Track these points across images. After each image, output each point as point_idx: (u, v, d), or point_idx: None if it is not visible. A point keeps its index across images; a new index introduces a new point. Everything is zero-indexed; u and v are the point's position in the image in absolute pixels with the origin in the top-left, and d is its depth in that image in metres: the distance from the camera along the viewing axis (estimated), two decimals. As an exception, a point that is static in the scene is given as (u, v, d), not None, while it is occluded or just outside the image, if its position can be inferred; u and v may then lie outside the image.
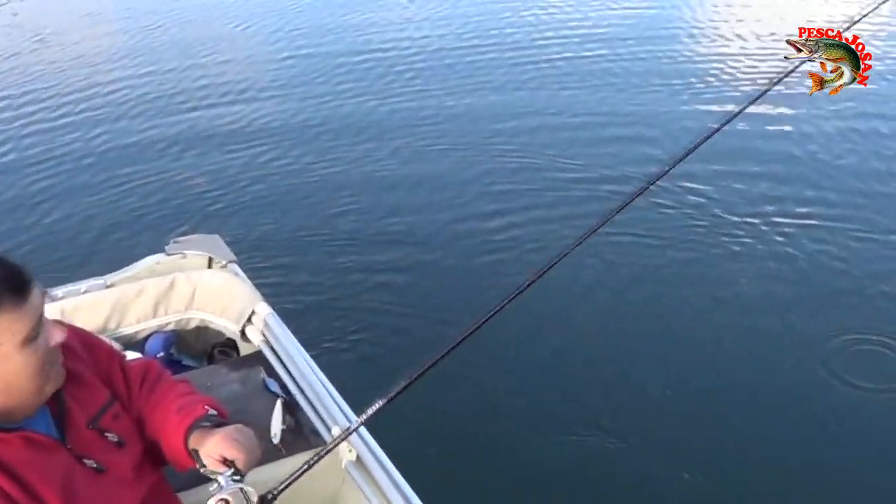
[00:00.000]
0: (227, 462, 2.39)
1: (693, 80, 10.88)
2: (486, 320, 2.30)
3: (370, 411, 2.39)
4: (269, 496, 2.38)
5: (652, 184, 2.28)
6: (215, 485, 2.32)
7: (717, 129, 2.37)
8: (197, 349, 4.50)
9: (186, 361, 4.34)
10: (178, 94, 11.34)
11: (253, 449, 2.49)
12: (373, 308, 6.69)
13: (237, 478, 2.33)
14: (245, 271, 4.51)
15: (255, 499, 2.31)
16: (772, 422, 5.47)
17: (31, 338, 2.16)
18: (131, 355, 4.05)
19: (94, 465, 2.34)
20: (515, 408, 5.76)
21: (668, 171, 2.27)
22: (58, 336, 2.25)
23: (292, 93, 11.22)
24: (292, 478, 2.37)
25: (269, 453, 3.43)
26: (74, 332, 2.60)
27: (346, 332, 6.31)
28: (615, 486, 5.17)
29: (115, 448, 2.44)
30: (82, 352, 2.57)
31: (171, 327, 4.32)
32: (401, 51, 12.50)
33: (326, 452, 2.49)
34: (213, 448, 2.44)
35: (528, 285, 2.36)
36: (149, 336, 4.30)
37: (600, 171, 8.53)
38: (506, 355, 6.16)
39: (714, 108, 9.94)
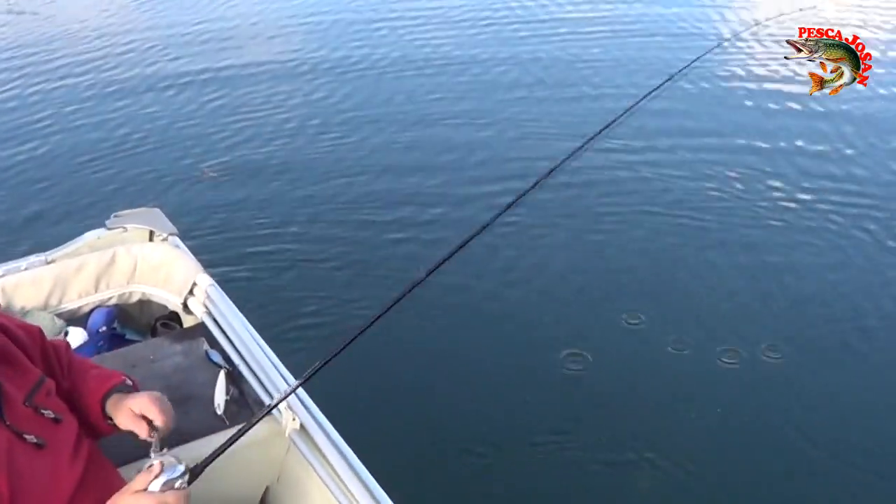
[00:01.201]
0: (146, 419, 2.48)
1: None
2: (415, 286, 2.32)
3: (307, 374, 2.39)
4: (199, 467, 2.38)
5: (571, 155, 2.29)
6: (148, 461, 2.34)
7: (621, 116, 2.38)
8: (140, 323, 4.49)
9: (130, 335, 4.34)
10: (122, 67, 11.19)
11: (169, 411, 2.59)
12: (315, 278, 6.70)
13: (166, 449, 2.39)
14: (186, 244, 4.49)
15: (182, 466, 2.31)
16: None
17: None
18: (74, 331, 4.06)
19: (35, 441, 2.35)
20: (457, 371, 5.85)
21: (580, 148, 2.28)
22: None
23: (238, 67, 11.15)
24: (222, 448, 2.38)
25: (213, 424, 3.46)
26: (3, 315, 2.67)
27: (288, 302, 6.31)
28: (559, 442, 5.27)
29: (52, 424, 2.45)
30: (19, 333, 2.61)
31: (113, 301, 4.30)
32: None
33: (259, 420, 2.54)
34: (135, 405, 2.54)
35: (454, 252, 2.37)
36: (91, 311, 4.28)
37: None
38: (446, 320, 6.26)
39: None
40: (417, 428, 5.33)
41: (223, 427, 3.39)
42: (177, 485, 2.25)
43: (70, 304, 4.21)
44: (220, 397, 3.46)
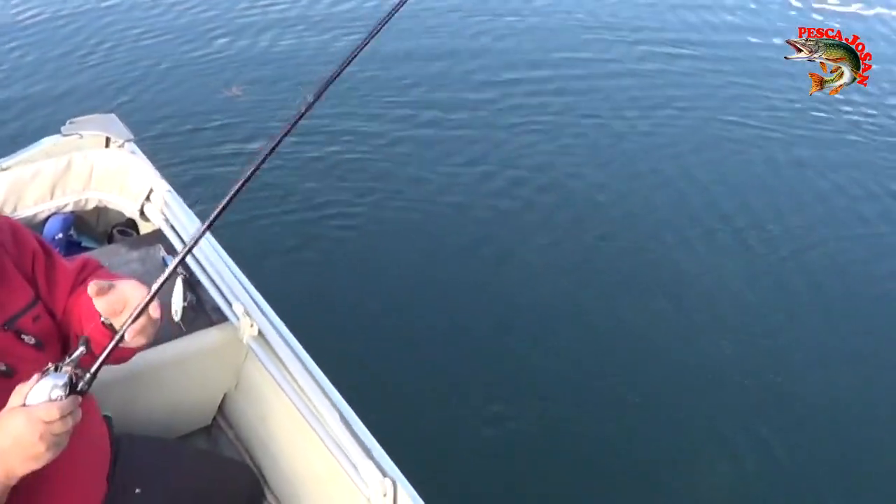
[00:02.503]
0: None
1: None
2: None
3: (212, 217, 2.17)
4: (85, 376, 2.06)
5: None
6: None
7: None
8: (97, 230, 4.44)
9: (86, 242, 4.29)
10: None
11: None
12: (270, 182, 6.67)
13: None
14: (143, 150, 4.43)
15: (63, 375, 2.02)
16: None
17: None
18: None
19: (3, 369, 2.27)
20: (409, 282, 5.94)
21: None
22: None
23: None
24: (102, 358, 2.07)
25: (170, 331, 3.45)
26: (7, 222, 2.55)
27: (244, 207, 6.27)
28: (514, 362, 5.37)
29: (32, 350, 2.37)
30: (11, 247, 2.50)
31: (69, 209, 4.24)
32: None
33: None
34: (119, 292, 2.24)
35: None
36: (47, 218, 4.23)
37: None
38: (427, 243, 6.40)
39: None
40: (379, 336, 5.40)
41: (180, 334, 3.39)
42: (52, 395, 2.00)
43: (25, 212, 4.14)
44: (177, 304, 3.45)
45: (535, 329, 5.71)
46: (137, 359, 2.52)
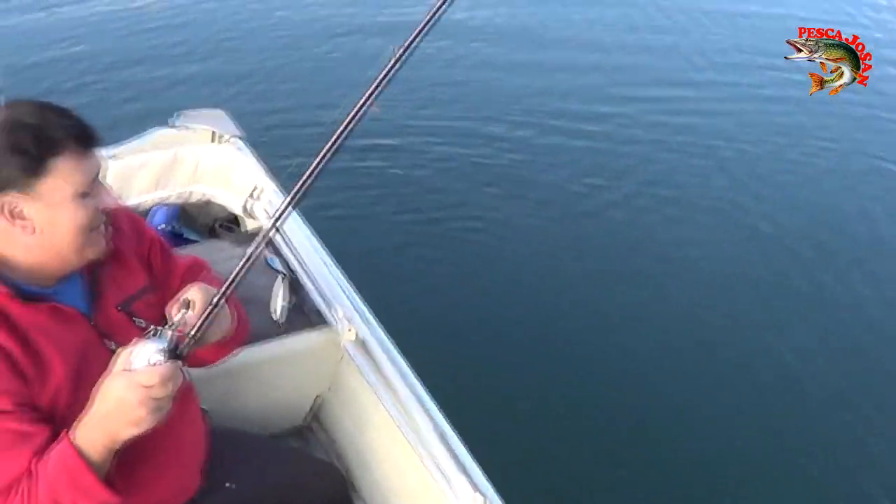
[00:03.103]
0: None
1: None
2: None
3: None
4: (184, 341, 2.09)
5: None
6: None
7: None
8: (200, 223, 4.47)
9: (188, 235, 4.32)
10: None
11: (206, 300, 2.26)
12: (379, 192, 6.68)
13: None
14: (252, 147, 4.45)
15: (163, 340, 2.05)
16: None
17: (85, 193, 2.16)
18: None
19: (113, 348, 2.25)
20: (520, 296, 5.84)
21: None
22: (109, 201, 2.24)
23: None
24: (201, 322, 2.10)
25: (270, 329, 3.45)
26: (127, 213, 2.59)
27: (351, 212, 6.29)
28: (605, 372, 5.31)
29: (139, 335, 2.38)
30: (131, 234, 2.55)
31: (173, 200, 4.28)
32: None
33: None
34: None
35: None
36: (152, 208, 4.27)
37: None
38: (516, 247, 6.32)
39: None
40: (480, 349, 5.37)
41: (280, 333, 3.38)
42: (152, 360, 2.03)
43: (131, 201, 4.18)
44: (278, 303, 3.45)
45: (655, 355, 5.55)
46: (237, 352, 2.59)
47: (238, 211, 4.24)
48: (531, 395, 5.11)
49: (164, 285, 2.57)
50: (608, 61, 9.22)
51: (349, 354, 3.40)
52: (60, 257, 2.21)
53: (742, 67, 9.34)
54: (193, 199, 4.32)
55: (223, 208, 4.34)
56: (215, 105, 5.04)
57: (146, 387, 1.98)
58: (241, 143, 4.41)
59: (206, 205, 4.40)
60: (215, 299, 2.13)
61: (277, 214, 2.18)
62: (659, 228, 6.71)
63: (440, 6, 2.26)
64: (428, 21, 2.25)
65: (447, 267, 5.98)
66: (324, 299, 3.49)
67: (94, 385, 2.09)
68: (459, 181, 6.97)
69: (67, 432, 2.08)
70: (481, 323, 5.60)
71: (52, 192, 2.11)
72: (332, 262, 3.66)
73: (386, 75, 2.19)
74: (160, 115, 4.56)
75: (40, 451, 2.07)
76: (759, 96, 8.77)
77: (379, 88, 2.20)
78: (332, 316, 3.42)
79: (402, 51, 2.23)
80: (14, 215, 2.13)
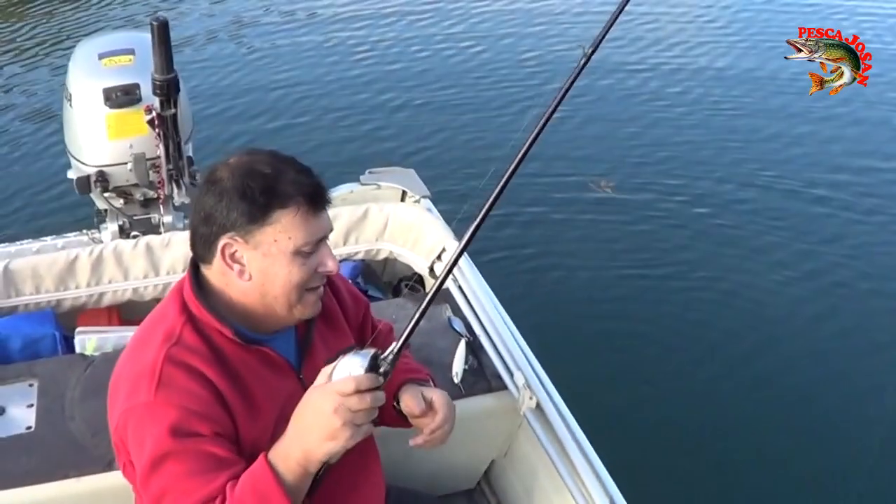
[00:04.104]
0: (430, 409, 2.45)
1: None
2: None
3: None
4: (383, 355, 2.09)
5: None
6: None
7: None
8: (383, 281, 4.52)
9: (372, 292, 4.36)
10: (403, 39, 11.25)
11: (452, 416, 2.52)
12: (564, 260, 6.64)
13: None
14: (438, 209, 4.48)
15: (366, 355, 2.07)
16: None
17: (304, 252, 2.21)
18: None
19: None
20: (709, 372, 5.73)
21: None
22: (330, 265, 2.28)
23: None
24: (405, 336, 2.16)
25: (450, 391, 3.43)
26: (343, 279, 2.71)
27: (536, 280, 6.28)
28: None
29: None
30: (347, 298, 2.65)
31: (359, 256, 4.33)
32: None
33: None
34: (429, 392, 2.51)
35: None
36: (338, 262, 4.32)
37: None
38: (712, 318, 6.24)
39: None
40: (658, 424, 5.26)
41: (459, 395, 3.37)
42: (354, 372, 2.04)
43: (319, 254, 4.24)
44: (458, 366, 3.44)
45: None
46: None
47: (423, 271, 4.26)
48: (715, 479, 5.00)
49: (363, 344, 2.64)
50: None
51: (527, 421, 3.35)
52: (271, 309, 2.26)
53: None
54: (380, 256, 4.36)
55: (408, 267, 4.37)
56: (396, 163, 5.14)
57: (342, 395, 1.99)
58: (429, 203, 4.45)
59: (391, 262, 4.44)
60: (415, 316, 2.20)
61: (455, 255, 2.25)
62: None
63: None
64: (614, 19, 2.40)
65: (629, 336, 5.91)
66: (504, 364, 3.47)
67: None
68: (659, 238, 6.91)
69: (264, 453, 2.10)
70: (660, 393, 5.52)
71: (270, 242, 2.17)
72: (512, 325, 3.64)
73: (576, 76, 2.33)
74: (338, 169, 4.65)
75: (235, 478, 2.09)
76: None
77: (566, 90, 2.33)
78: (513, 382, 3.39)
79: (591, 50, 2.35)
80: (231, 258, 2.20)
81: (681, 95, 9.47)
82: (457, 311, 3.81)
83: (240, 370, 2.22)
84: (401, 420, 2.57)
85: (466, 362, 3.46)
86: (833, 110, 8.98)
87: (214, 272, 2.25)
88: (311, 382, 2.26)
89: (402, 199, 4.54)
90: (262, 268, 2.19)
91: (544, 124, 2.32)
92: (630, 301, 6.29)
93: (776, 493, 4.96)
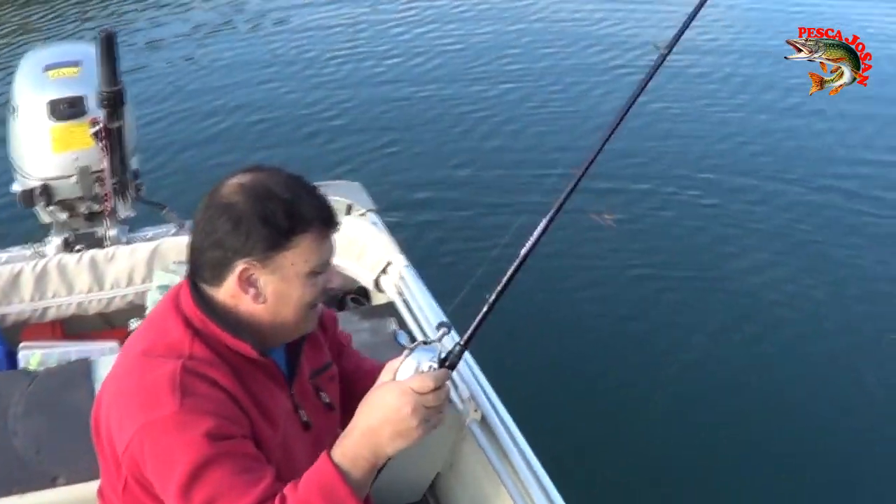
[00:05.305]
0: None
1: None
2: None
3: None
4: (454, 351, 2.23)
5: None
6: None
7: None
8: (328, 294, 4.50)
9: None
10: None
11: None
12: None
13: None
14: (384, 221, 4.50)
15: (434, 350, 2.19)
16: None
17: (317, 272, 2.25)
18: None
19: (305, 419, 2.39)
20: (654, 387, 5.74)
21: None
22: (335, 282, 2.36)
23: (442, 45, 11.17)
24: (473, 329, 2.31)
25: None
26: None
27: (481, 293, 6.23)
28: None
29: (323, 409, 2.49)
30: (332, 324, 2.73)
31: (304, 270, 4.32)
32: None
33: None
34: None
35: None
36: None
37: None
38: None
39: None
40: (604, 435, 5.29)
41: (404, 409, 3.38)
42: (423, 367, 2.11)
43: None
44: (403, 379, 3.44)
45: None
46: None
47: (369, 285, 4.27)
48: (658, 488, 5.03)
49: (338, 360, 2.71)
50: None
51: (472, 434, 3.36)
52: (280, 328, 2.29)
53: None
54: (324, 270, 4.36)
55: (353, 280, 4.37)
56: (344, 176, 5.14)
57: (420, 394, 2.04)
58: (375, 217, 4.47)
59: (338, 285, 4.43)
60: (489, 303, 2.35)
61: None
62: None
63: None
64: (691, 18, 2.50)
65: (575, 347, 5.96)
66: (450, 378, 3.47)
67: (294, 453, 2.24)
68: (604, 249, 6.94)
69: (327, 451, 2.11)
70: (617, 407, 5.53)
71: (289, 266, 2.20)
72: (458, 338, 3.64)
73: (653, 73, 2.42)
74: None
75: (278, 477, 2.10)
76: None
77: (644, 87, 2.42)
78: (457, 394, 3.39)
79: (667, 49, 2.44)
80: (247, 282, 2.20)
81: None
82: (402, 324, 3.83)
83: (250, 383, 2.22)
84: None
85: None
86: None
87: (223, 293, 2.24)
88: (301, 398, 2.36)
89: (348, 213, 4.55)
90: (277, 290, 2.21)
91: (611, 133, 2.38)
92: (575, 312, 6.32)
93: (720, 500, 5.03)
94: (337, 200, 4.48)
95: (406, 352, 2.15)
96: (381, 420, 2.05)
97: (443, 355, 2.14)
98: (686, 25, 2.48)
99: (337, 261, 4.22)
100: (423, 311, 3.79)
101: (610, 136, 2.38)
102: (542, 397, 5.24)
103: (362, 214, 4.49)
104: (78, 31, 11.21)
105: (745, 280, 6.77)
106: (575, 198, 2.29)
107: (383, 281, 4.16)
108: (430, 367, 2.09)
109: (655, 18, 11.59)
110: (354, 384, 2.66)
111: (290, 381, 2.40)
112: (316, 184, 2.34)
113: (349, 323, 3.86)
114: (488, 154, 8.43)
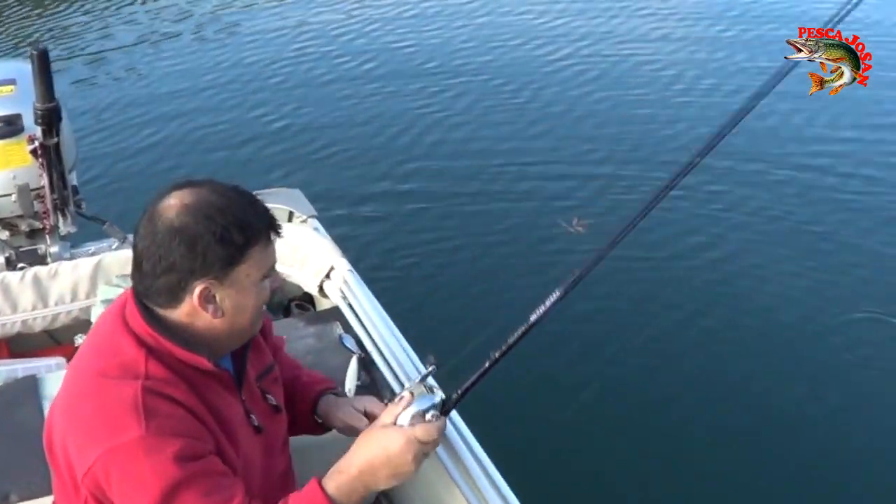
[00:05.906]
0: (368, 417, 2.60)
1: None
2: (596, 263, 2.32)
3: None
4: (455, 398, 2.39)
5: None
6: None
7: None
8: (273, 302, 4.52)
9: (261, 313, 4.38)
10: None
11: None
12: (456, 271, 6.70)
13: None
14: (325, 227, 4.52)
15: (436, 396, 2.32)
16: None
17: (268, 275, 2.30)
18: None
19: (256, 424, 2.42)
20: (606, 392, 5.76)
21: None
22: (279, 280, 2.42)
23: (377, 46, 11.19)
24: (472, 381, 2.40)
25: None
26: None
27: (426, 293, 6.29)
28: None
29: (271, 412, 2.53)
30: (269, 325, 2.77)
31: (247, 278, 4.33)
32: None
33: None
34: (360, 403, 2.69)
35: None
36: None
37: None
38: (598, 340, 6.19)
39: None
40: (560, 438, 5.33)
41: (352, 412, 3.40)
42: (427, 416, 2.22)
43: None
44: (350, 382, 3.48)
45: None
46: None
47: (313, 290, 4.29)
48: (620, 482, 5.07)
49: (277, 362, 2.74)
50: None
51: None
52: (235, 336, 2.33)
53: None
54: (268, 277, 4.37)
55: (297, 287, 4.40)
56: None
57: (423, 443, 2.18)
58: (316, 223, 4.49)
59: (280, 283, 4.44)
60: (493, 358, 2.48)
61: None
62: None
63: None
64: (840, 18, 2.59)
65: (529, 347, 5.91)
66: (396, 379, 3.50)
67: (250, 458, 2.29)
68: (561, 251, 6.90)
69: (317, 480, 2.21)
70: (574, 410, 5.54)
71: (244, 278, 2.24)
72: (404, 340, 3.67)
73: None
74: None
75: (249, 495, 2.15)
76: None
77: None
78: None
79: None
80: (206, 300, 2.21)
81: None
82: (348, 328, 3.85)
83: (208, 396, 2.24)
84: (316, 428, 2.77)
85: (359, 378, 3.50)
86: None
87: (179, 313, 2.25)
88: (251, 402, 2.40)
89: (290, 220, 4.57)
90: (235, 303, 2.25)
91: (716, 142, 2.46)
92: (527, 314, 6.27)
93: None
94: (278, 208, 4.50)
95: (407, 396, 2.28)
96: (382, 462, 2.17)
97: (437, 400, 2.29)
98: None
99: (281, 268, 4.25)
100: (368, 314, 3.81)
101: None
102: (494, 399, 5.20)
103: (304, 221, 4.52)
104: (21, 49, 11.13)
105: (719, 269, 6.92)
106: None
107: (327, 286, 4.18)
108: (434, 415, 2.23)
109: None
110: (292, 397, 2.76)
111: (239, 386, 2.42)
112: (255, 192, 2.36)
113: (295, 329, 3.88)
114: (429, 153, 8.52)
